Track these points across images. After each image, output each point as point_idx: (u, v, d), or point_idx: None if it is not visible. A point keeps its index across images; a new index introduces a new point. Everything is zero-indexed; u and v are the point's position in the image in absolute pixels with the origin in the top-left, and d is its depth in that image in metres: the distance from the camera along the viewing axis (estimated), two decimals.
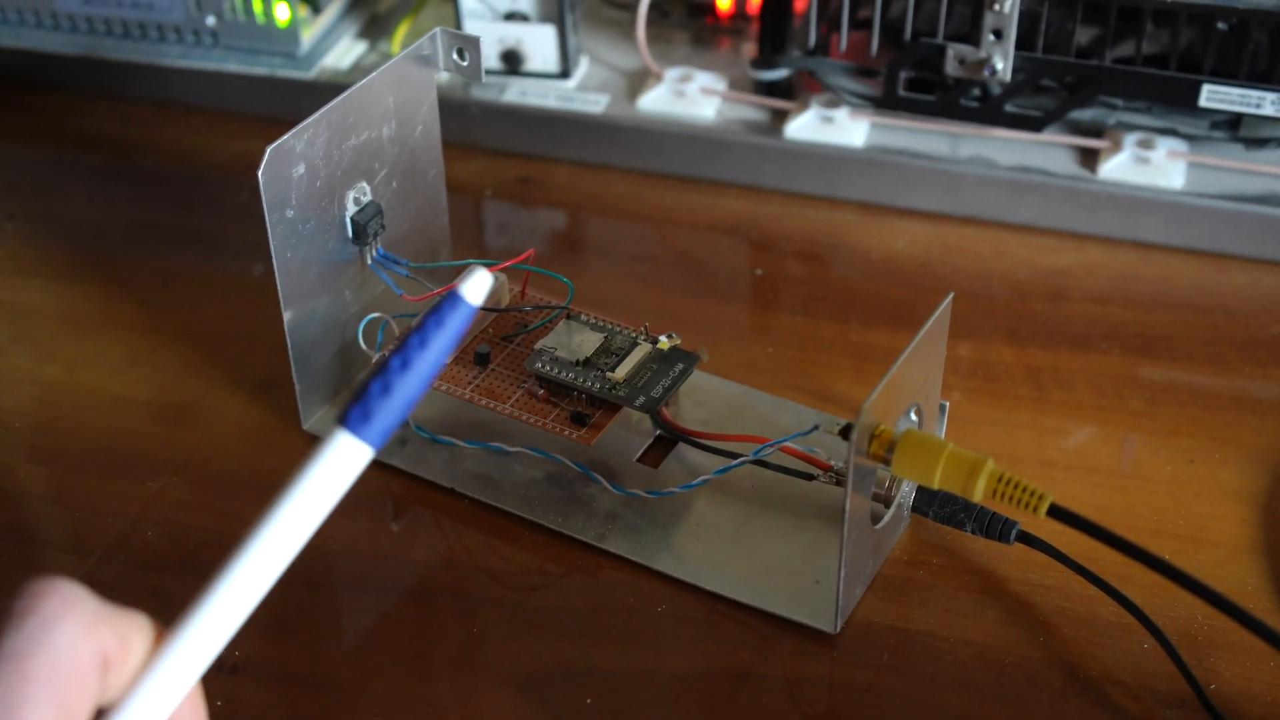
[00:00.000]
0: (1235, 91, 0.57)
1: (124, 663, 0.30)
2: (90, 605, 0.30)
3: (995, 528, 0.46)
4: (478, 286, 0.31)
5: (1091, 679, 0.44)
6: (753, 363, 0.55)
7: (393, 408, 0.32)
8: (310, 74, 0.68)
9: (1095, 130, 0.62)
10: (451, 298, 0.31)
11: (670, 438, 0.50)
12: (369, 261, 0.51)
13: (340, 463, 0.32)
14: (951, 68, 0.59)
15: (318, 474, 0.32)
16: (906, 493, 0.47)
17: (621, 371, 0.48)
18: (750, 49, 0.68)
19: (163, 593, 0.47)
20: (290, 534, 0.32)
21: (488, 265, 0.51)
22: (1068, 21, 0.58)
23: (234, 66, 0.68)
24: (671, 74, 0.66)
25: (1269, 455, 0.51)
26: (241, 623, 0.32)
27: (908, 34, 0.60)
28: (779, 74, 0.64)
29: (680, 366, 0.49)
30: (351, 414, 0.32)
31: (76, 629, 0.29)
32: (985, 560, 0.47)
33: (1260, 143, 0.60)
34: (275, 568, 0.32)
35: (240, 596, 0.32)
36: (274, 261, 0.48)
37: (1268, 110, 0.57)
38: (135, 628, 0.31)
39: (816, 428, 0.48)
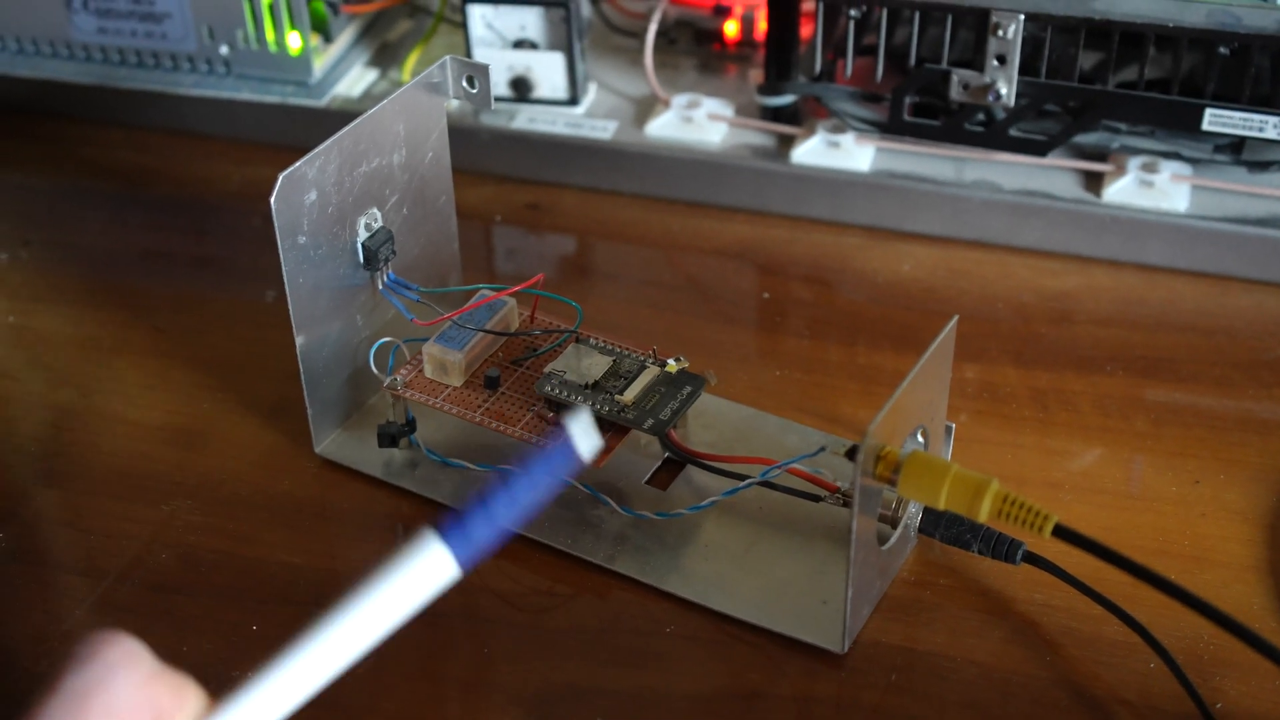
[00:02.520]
0: (1237, 115, 0.57)
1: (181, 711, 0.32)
2: (149, 662, 0.32)
3: (1001, 548, 0.46)
4: (589, 442, 0.33)
5: (1097, 699, 0.44)
6: (760, 385, 0.55)
7: (488, 536, 0.33)
8: (322, 102, 0.68)
9: (1099, 154, 0.62)
10: (565, 449, 0.33)
11: (679, 460, 0.51)
12: (380, 287, 0.52)
13: (427, 572, 0.33)
14: (956, 93, 0.60)
15: (404, 576, 0.33)
16: (913, 514, 0.47)
17: (630, 394, 0.49)
18: (757, 75, 0.69)
19: (176, 615, 0.48)
20: (361, 628, 0.33)
21: (497, 290, 0.52)
22: (1071, 47, 0.58)
23: (247, 95, 0.69)
24: (679, 100, 0.66)
25: (1274, 476, 0.51)
26: (296, 705, 0.32)
27: (912, 60, 0.61)
28: (785, 100, 0.65)
29: (688, 389, 0.49)
30: (451, 531, 0.33)
31: (134, 679, 0.31)
32: (991, 581, 0.47)
33: (1263, 166, 0.60)
34: (339, 658, 0.33)
35: (299, 680, 0.32)
36: (286, 286, 0.48)
37: (1270, 134, 0.57)
38: (189, 691, 0.32)
39: (823, 449, 0.48)
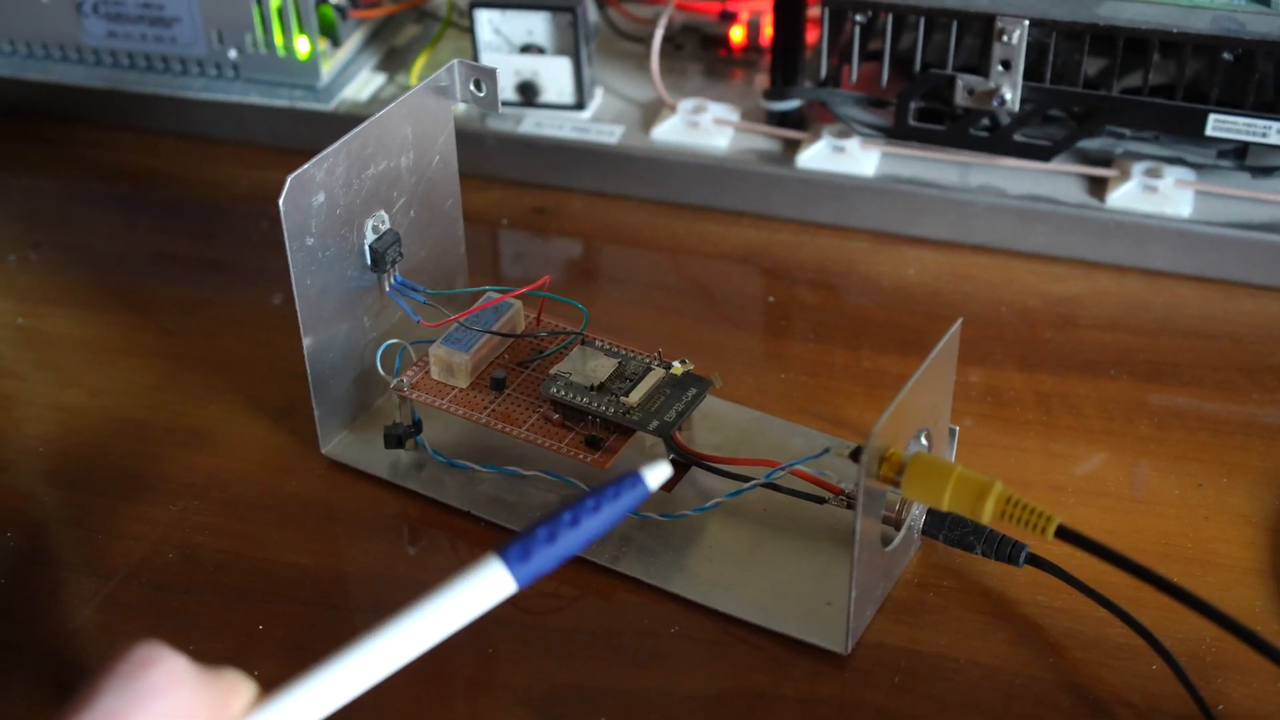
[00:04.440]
0: (1241, 121, 0.58)
1: None
2: (191, 680, 0.31)
3: (1005, 550, 0.46)
4: (658, 475, 0.34)
5: (1100, 700, 0.44)
6: (765, 389, 0.56)
7: (550, 556, 0.33)
8: (330, 106, 0.69)
9: (1103, 159, 0.62)
10: (633, 478, 0.34)
11: (683, 462, 0.51)
12: (387, 289, 0.52)
13: (485, 587, 0.33)
14: (961, 98, 0.60)
15: (462, 590, 0.33)
16: (917, 515, 0.47)
17: (635, 396, 0.49)
18: (762, 80, 0.69)
19: (183, 615, 0.48)
20: (415, 636, 0.33)
21: (503, 292, 0.52)
22: (1075, 53, 0.59)
23: (255, 98, 0.69)
24: (685, 105, 0.67)
25: (1277, 479, 0.51)
26: (340, 706, 0.33)
27: (918, 65, 0.61)
28: (791, 105, 0.65)
29: (693, 392, 0.50)
30: (512, 550, 0.33)
31: (176, 705, 0.31)
32: (995, 582, 0.48)
33: (1266, 171, 0.61)
34: (391, 664, 0.33)
35: (348, 682, 0.33)
36: (294, 288, 0.49)
37: (1273, 139, 0.57)
38: (234, 690, 0.32)
39: (827, 450, 0.48)
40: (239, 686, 0.32)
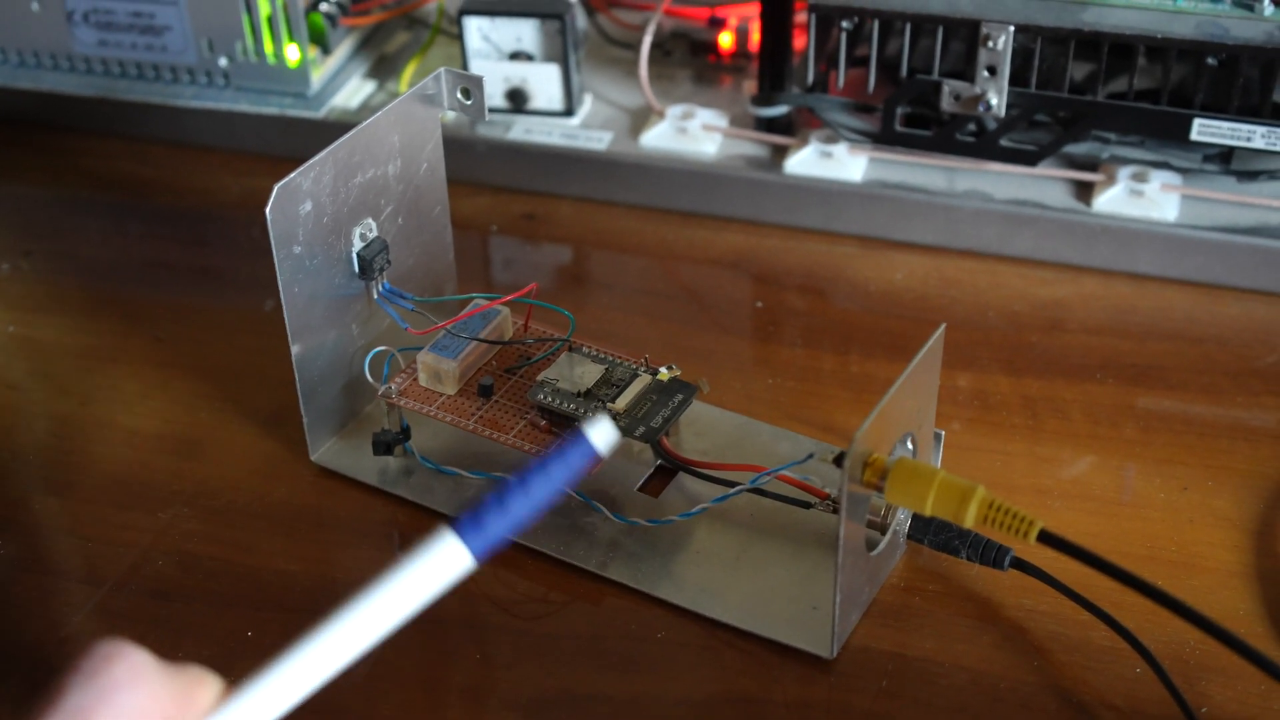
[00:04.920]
0: (1226, 125, 0.58)
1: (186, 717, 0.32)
2: (155, 673, 0.31)
3: (990, 554, 0.47)
4: (602, 433, 0.33)
5: (1085, 703, 0.44)
6: (753, 394, 0.56)
7: (503, 525, 0.33)
8: (320, 113, 0.69)
9: (1089, 164, 0.63)
10: (578, 438, 0.33)
11: (670, 467, 0.51)
12: (375, 296, 0.53)
13: (442, 563, 0.33)
14: (947, 103, 0.60)
15: (419, 568, 0.33)
16: (902, 520, 0.48)
17: (622, 402, 0.49)
18: (751, 86, 0.70)
19: (173, 621, 0.48)
20: (376, 619, 0.33)
21: (491, 299, 0.53)
22: (1061, 58, 0.59)
23: (245, 106, 0.69)
24: (674, 111, 0.67)
25: (1262, 483, 0.51)
26: (306, 695, 0.33)
27: (904, 71, 0.61)
28: (779, 111, 0.65)
29: (680, 397, 0.50)
30: (465, 522, 0.33)
31: (140, 698, 0.31)
32: (980, 586, 0.48)
33: (1251, 175, 0.61)
34: (353, 649, 0.33)
35: (310, 669, 0.33)
36: (282, 296, 0.49)
37: (1258, 143, 0.58)
38: (200, 684, 0.32)
39: (812, 456, 0.49)
40: (204, 680, 0.32)
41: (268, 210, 0.47)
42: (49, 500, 0.53)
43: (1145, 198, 0.61)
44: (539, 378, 0.50)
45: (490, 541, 0.33)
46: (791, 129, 0.66)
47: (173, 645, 0.47)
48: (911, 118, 0.62)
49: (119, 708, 0.30)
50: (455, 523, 0.33)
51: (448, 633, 0.48)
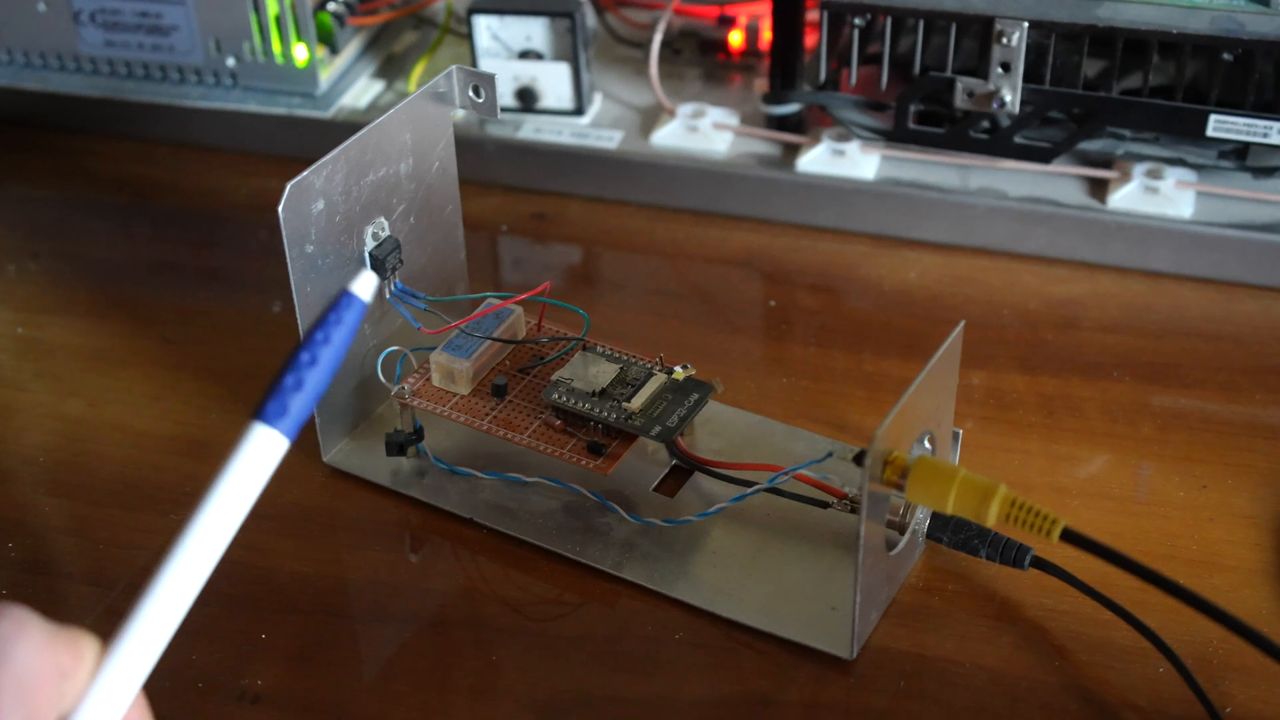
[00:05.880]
0: (1241, 121, 0.57)
1: (78, 675, 0.32)
2: (41, 624, 0.32)
3: (1010, 553, 0.46)
4: (366, 285, 0.34)
5: (1107, 704, 0.44)
6: (767, 393, 0.55)
7: (305, 400, 0.34)
8: (328, 113, 0.69)
9: (1104, 161, 0.62)
10: (346, 296, 0.34)
11: (686, 467, 0.51)
12: (387, 295, 0.52)
13: (261, 455, 0.34)
14: (960, 101, 0.60)
15: (240, 467, 0.34)
16: (921, 519, 0.47)
17: (637, 402, 0.49)
18: (761, 85, 0.69)
19: (185, 624, 0.47)
20: (217, 530, 0.33)
21: (504, 298, 0.52)
22: (1075, 54, 0.59)
23: (253, 107, 0.69)
24: (684, 110, 0.66)
25: None
26: (177, 624, 0.33)
27: (917, 68, 0.61)
28: (790, 109, 0.65)
29: (695, 397, 0.49)
30: (269, 408, 0.33)
31: (34, 646, 0.31)
32: (1000, 586, 0.47)
33: (1267, 171, 0.60)
34: (205, 566, 0.33)
35: (174, 599, 0.33)
36: (294, 295, 0.48)
37: (1274, 139, 0.57)
38: (85, 642, 0.33)
39: (830, 454, 0.48)
40: (90, 640, 0.33)
41: (280, 209, 0.47)
42: (57, 502, 0.53)
43: (1160, 195, 0.60)
44: (553, 377, 0.50)
45: (297, 419, 0.33)
46: (803, 127, 0.66)
47: (185, 648, 0.46)
48: (924, 115, 0.62)
49: (17, 662, 0.31)
50: (259, 411, 0.33)
51: (460, 635, 0.48)
